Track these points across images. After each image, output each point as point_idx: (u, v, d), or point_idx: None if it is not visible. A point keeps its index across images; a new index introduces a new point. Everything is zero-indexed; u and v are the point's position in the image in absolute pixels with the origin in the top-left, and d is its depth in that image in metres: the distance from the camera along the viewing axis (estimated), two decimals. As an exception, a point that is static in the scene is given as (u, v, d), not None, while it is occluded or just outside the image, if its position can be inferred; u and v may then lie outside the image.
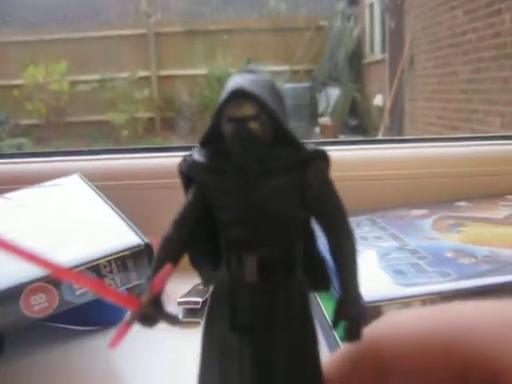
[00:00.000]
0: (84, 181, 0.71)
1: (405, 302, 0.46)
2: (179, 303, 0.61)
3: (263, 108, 0.23)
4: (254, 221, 0.25)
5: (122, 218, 0.61)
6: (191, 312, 0.61)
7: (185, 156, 0.26)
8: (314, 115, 5.12)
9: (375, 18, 5.48)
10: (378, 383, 0.26)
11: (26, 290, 0.49)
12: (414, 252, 0.55)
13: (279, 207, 0.25)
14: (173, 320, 0.26)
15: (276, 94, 0.24)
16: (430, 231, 0.62)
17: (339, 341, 0.46)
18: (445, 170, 0.81)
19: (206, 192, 0.25)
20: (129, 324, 0.25)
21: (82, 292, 0.51)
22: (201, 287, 0.63)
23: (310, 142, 0.25)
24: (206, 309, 0.27)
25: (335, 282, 0.26)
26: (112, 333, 0.25)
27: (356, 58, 5.61)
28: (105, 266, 0.53)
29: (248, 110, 0.23)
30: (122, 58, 4.88)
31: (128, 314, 0.25)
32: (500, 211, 0.68)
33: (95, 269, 0.52)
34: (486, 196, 0.75)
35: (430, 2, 4.13)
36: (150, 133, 4.67)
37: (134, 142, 4.52)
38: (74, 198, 0.68)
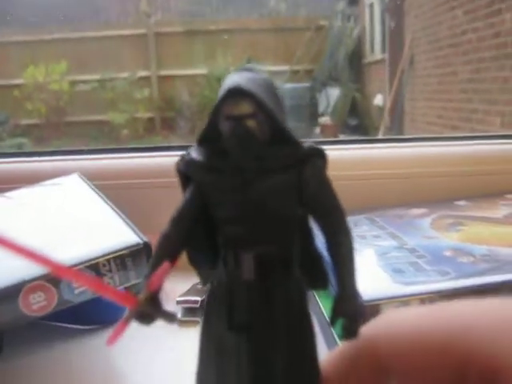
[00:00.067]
0: (83, 180, 0.71)
1: (403, 300, 0.46)
2: (178, 302, 0.61)
3: (260, 106, 0.23)
4: (251, 218, 0.25)
5: (121, 217, 0.61)
6: (190, 311, 0.61)
7: (182, 154, 0.26)
8: (314, 115, 5.11)
9: (375, 17, 5.48)
10: (375, 381, 0.26)
11: (24, 289, 0.49)
12: (412, 251, 0.55)
13: (276, 205, 0.25)
14: (170, 318, 0.26)
15: (273, 92, 0.25)
16: (429, 230, 0.62)
17: (337, 338, 0.46)
18: (444, 169, 0.81)
19: (203, 190, 0.25)
20: (126, 322, 0.25)
21: (80, 291, 0.51)
22: (200, 286, 0.63)
23: (308, 141, 0.25)
24: (204, 308, 0.27)
25: (333, 280, 0.26)
26: (111, 332, 0.25)
27: (356, 58, 5.60)
28: (104, 265, 0.53)
29: (245, 108, 0.23)
30: (121, 57, 4.88)
31: (126, 312, 0.25)
32: (499, 210, 0.68)
33: (94, 267, 0.52)
34: (486, 195, 0.75)
35: (430, 2, 4.13)
36: (150, 133, 4.67)
37: (134, 141, 4.51)
38: (74, 197, 0.68)
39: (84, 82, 4.70)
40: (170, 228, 0.26)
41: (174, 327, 0.57)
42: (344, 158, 0.82)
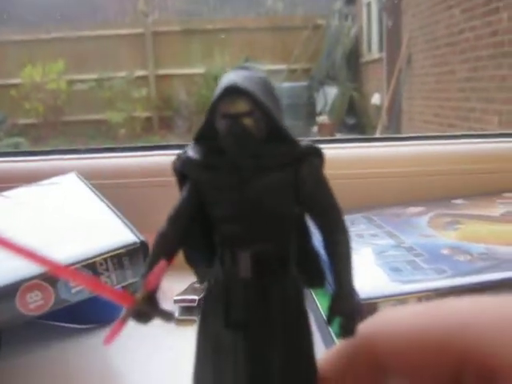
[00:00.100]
0: (80, 179, 0.71)
1: (401, 298, 0.46)
2: (175, 301, 0.61)
3: (257, 104, 0.23)
4: (247, 217, 0.25)
5: (118, 216, 0.61)
6: (187, 310, 0.61)
7: (179, 153, 0.26)
8: (311, 114, 5.12)
9: (373, 16, 5.48)
10: (372, 379, 0.26)
11: (21, 288, 0.49)
12: (410, 249, 0.55)
13: (273, 203, 0.25)
14: (167, 316, 0.26)
15: (270, 90, 0.25)
16: (426, 229, 0.62)
17: (334, 337, 0.46)
18: (442, 168, 0.81)
19: (200, 188, 0.25)
20: (123, 321, 0.25)
21: (77, 290, 0.51)
22: (197, 285, 0.63)
23: (305, 139, 0.25)
24: (201, 306, 0.27)
25: (330, 278, 0.26)
26: (108, 331, 0.25)
27: (353, 57, 5.61)
28: (101, 264, 0.53)
29: (242, 106, 0.23)
30: (119, 57, 4.88)
31: (123, 311, 0.25)
32: (497, 209, 0.68)
33: (91, 266, 0.52)
34: (483, 194, 0.75)
35: (428, 1, 4.13)
36: (147, 132, 4.67)
37: (131, 141, 4.52)
38: (71, 196, 0.68)
39: (81, 81, 4.70)
40: (167, 226, 0.26)
41: (171, 326, 0.57)
42: (341, 156, 0.82)
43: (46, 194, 0.69)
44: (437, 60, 3.96)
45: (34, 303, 0.50)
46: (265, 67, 4.58)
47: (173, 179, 0.26)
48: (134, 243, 0.55)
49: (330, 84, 5.34)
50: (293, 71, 5.26)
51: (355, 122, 5.22)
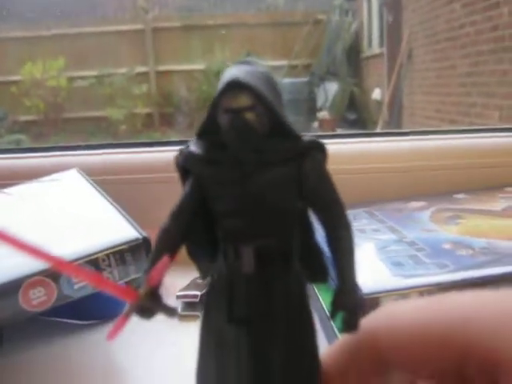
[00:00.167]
0: (82, 175, 0.71)
1: (403, 293, 0.46)
2: (178, 297, 0.61)
3: (259, 99, 0.23)
4: (250, 212, 0.25)
5: (120, 212, 0.61)
6: (190, 305, 0.61)
7: (181, 148, 0.26)
8: (312, 110, 5.12)
9: (373, 12, 5.48)
10: (375, 374, 0.26)
11: (24, 284, 0.49)
12: (412, 244, 0.55)
13: (276, 198, 0.25)
14: (170, 312, 0.26)
15: (272, 85, 0.24)
16: (428, 223, 0.62)
17: (337, 332, 0.46)
18: (443, 163, 0.81)
19: (202, 183, 0.25)
20: (127, 316, 0.25)
21: (80, 286, 0.51)
22: (199, 281, 0.63)
23: (308, 134, 0.25)
24: (204, 301, 0.27)
25: (333, 273, 0.26)
26: (111, 326, 0.25)
27: (354, 53, 5.61)
28: (103, 260, 0.53)
29: (244, 100, 0.23)
30: (119, 53, 4.88)
31: (126, 307, 0.25)
32: (498, 203, 0.68)
33: (94, 262, 0.52)
34: (485, 188, 0.75)
35: (428, -4, 4.13)
36: (148, 128, 4.67)
37: (132, 137, 4.52)
38: (73, 192, 0.68)
39: (82, 77, 4.70)
40: (170, 222, 0.26)
41: (174, 321, 0.57)
42: (343, 151, 0.82)
43: (48, 190, 0.69)
44: (437, 55, 3.96)
45: (36, 299, 0.50)
46: (265, 63, 4.57)
47: (174, 175, 0.26)
48: (137, 239, 0.55)
49: (331, 79, 5.34)
50: (293, 67, 5.26)
51: (356, 117, 5.23)
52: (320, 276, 0.27)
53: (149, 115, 4.87)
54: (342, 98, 5.25)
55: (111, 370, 0.53)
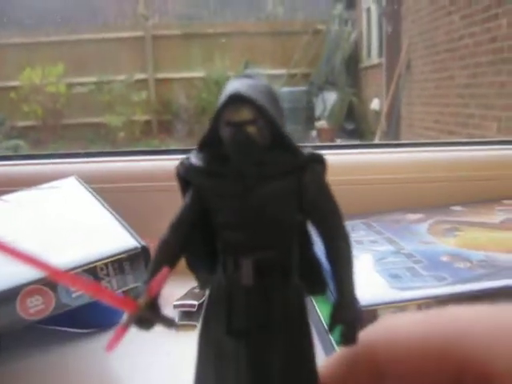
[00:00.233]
0: (81, 183, 0.71)
1: (400, 306, 0.46)
2: (175, 306, 0.61)
3: (261, 112, 0.23)
4: (251, 224, 0.25)
5: (119, 221, 0.61)
6: (187, 315, 0.61)
7: (182, 159, 0.26)
8: (310, 119, 5.13)
9: (372, 22, 5.49)
10: (373, 387, 0.26)
11: (22, 292, 0.49)
12: (409, 256, 0.56)
13: (276, 211, 0.25)
14: (169, 323, 0.26)
15: (273, 98, 0.25)
16: (426, 235, 0.63)
17: (335, 345, 0.46)
18: (441, 175, 0.82)
19: (202, 195, 0.25)
20: (125, 327, 0.25)
21: (78, 294, 0.51)
22: (197, 290, 0.63)
23: (307, 146, 0.25)
24: (203, 312, 0.27)
25: (331, 286, 0.26)
26: (108, 335, 0.25)
27: (353, 62, 5.62)
28: (101, 269, 0.53)
29: (245, 114, 0.23)
30: (119, 60, 4.89)
31: (125, 317, 0.25)
32: (496, 216, 0.69)
33: (92, 271, 0.52)
34: (482, 201, 0.76)
35: (427, 7, 4.14)
36: (147, 135, 4.67)
37: (130, 144, 4.52)
38: (71, 200, 0.68)
39: (81, 84, 4.71)
40: (169, 234, 0.26)
41: (171, 331, 0.57)
42: (340, 162, 0.82)
43: (46, 197, 0.69)
44: (436, 66, 3.97)
45: (34, 308, 0.50)
46: (265, 72, 4.59)
47: (174, 184, 0.26)
48: (135, 248, 0.55)
49: (330, 89, 5.35)
50: (292, 76, 5.27)
51: (354, 127, 5.23)
52: (319, 288, 0.27)
53: (147, 122, 4.87)
54: (340, 107, 5.26)
55: (108, 379, 0.53)
